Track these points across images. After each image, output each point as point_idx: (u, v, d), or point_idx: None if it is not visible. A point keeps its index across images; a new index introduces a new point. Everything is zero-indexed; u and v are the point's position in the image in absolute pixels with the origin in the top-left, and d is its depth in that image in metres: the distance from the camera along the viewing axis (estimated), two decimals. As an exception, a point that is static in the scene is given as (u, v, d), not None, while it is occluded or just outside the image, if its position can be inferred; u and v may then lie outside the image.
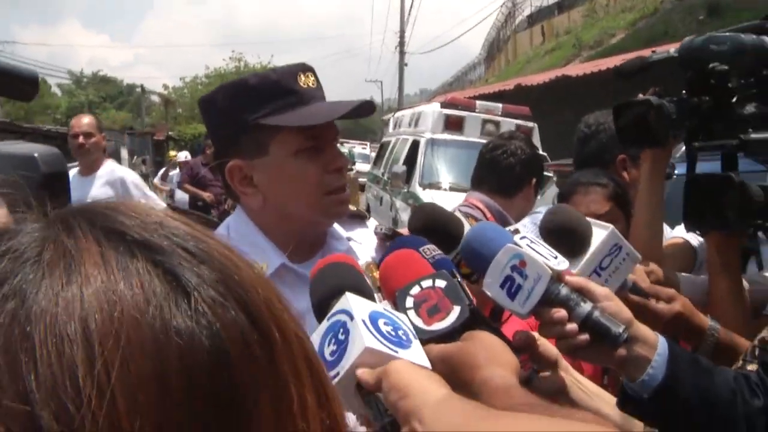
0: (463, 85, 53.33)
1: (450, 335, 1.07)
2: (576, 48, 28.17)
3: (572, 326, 1.18)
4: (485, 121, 10.62)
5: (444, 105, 11.33)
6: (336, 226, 1.82)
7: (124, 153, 34.52)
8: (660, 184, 2.03)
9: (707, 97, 1.70)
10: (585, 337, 1.17)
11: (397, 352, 0.96)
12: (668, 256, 2.16)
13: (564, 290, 1.21)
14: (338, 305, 1.01)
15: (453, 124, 10.86)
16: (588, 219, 1.48)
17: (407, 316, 1.07)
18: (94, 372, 0.39)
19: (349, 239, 1.83)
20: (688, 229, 2.00)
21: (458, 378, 1.00)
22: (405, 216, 10.32)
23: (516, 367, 1.04)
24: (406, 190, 10.76)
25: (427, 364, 0.98)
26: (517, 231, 1.37)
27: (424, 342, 1.05)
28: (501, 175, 3.15)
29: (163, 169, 16.21)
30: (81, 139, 5.37)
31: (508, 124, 10.46)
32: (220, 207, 9.93)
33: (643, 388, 1.29)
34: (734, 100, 1.65)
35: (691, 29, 18.75)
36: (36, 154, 0.82)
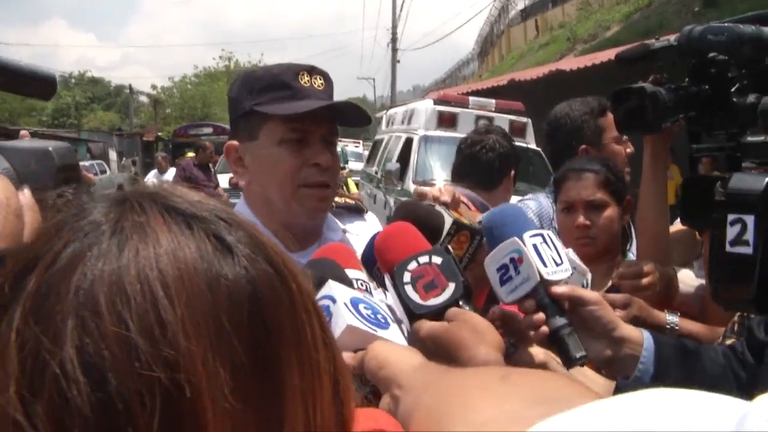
0: (457, 81, 53.43)
1: (443, 310, 1.18)
2: (570, 42, 28.16)
3: (539, 316, 1.29)
4: (478, 117, 10.61)
5: (437, 102, 11.38)
6: (332, 217, 1.96)
7: (113, 154, 34.55)
8: (662, 168, 2.13)
9: (707, 86, 1.71)
10: (545, 330, 1.29)
11: (376, 331, 1.08)
12: (675, 240, 2.26)
13: (547, 299, 1.30)
14: (322, 292, 1.11)
15: (446, 121, 10.90)
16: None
17: (405, 290, 1.19)
18: (171, 305, 0.54)
19: (345, 231, 1.96)
20: (684, 225, 2.07)
21: (447, 355, 1.12)
22: (399, 214, 10.32)
23: (500, 344, 1.17)
24: (399, 188, 10.75)
25: (404, 342, 1.10)
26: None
27: (420, 316, 1.18)
28: (481, 170, 3.29)
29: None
30: None
31: (502, 119, 10.48)
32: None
33: (637, 385, 1.34)
34: (734, 89, 1.65)
35: (687, 21, 18.72)
36: (50, 148, 0.93)
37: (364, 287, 1.28)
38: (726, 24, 1.65)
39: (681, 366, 1.41)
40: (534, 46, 35.65)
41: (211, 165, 12.39)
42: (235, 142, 1.83)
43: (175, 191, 0.65)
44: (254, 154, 1.80)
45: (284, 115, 1.73)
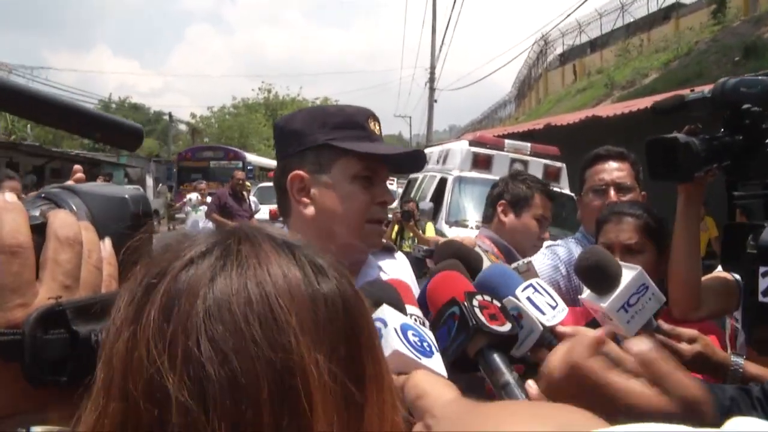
0: (493, 123, 53.48)
1: (504, 339, 1.26)
2: (608, 88, 28.15)
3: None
4: (513, 161, 10.57)
5: (472, 143, 11.33)
6: (369, 256, 2.04)
7: (150, 180, 34.91)
8: (695, 216, 2.15)
9: (741, 136, 1.76)
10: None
11: (420, 359, 1.15)
12: (710, 288, 2.27)
13: (556, 341, 1.38)
14: (376, 314, 1.18)
15: (481, 163, 10.86)
16: (619, 261, 1.68)
17: (474, 310, 1.26)
18: (284, 311, 0.69)
19: (380, 268, 2.04)
20: (726, 270, 2.13)
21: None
22: (429, 253, 10.29)
23: None
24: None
25: (444, 373, 1.16)
26: (528, 270, 1.70)
27: (482, 335, 1.24)
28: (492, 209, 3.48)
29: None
30: None
31: (536, 163, 10.44)
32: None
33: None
34: (768, 140, 1.69)
35: (726, 70, 18.64)
36: (127, 196, 0.95)
37: (420, 322, 1.34)
38: (759, 77, 1.70)
39: None
40: (571, 91, 35.67)
41: (245, 193, 12.44)
42: (301, 172, 1.87)
43: (265, 226, 0.80)
44: (324, 186, 1.87)
45: (366, 154, 1.83)
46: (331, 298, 0.73)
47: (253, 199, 13.07)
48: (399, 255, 2.24)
